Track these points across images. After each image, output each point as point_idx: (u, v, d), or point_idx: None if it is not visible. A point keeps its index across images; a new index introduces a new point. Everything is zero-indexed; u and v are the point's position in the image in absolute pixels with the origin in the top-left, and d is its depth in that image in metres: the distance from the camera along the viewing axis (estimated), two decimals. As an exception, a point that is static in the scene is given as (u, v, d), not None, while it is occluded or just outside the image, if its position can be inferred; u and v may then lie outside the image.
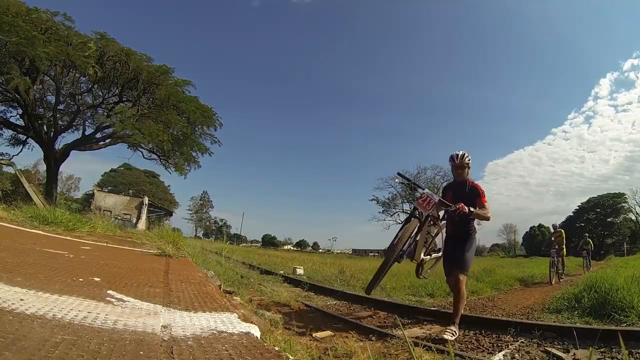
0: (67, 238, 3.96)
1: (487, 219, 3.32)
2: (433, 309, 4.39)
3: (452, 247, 3.53)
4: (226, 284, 3.86)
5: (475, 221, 3.52)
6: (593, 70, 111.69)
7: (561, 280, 8.87)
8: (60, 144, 14.41)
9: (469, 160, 3.60)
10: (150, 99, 14.31)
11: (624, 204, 50.70)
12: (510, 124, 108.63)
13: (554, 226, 10.74)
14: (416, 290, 6.20)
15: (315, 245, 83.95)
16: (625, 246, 38.83)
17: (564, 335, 2.91)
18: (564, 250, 9.68)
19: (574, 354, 2.54)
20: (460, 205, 3.14)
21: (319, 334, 2.83)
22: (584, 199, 56.40)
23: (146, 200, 29.96)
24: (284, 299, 4.32)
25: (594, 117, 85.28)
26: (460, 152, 3.55)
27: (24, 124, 13.95)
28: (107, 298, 1.15)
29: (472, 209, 3.18)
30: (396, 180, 3.57)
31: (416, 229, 3.36)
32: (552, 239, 10.07)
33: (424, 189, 3.43)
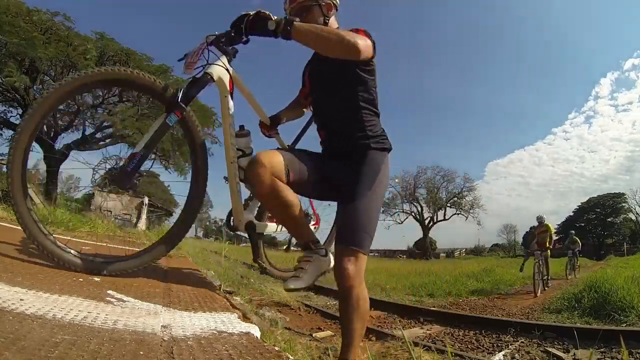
0: (68, 238, 3.96)
1: (351, 45, 1.37)
2: (433, 309, 4.39)
3: (325, 182, 1.59)
4: (226, 284, 3.85)
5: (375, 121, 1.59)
6: (594, 70, 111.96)
7: (547, 288, 7.57)
8: (60, 144, 14.43)
9: None
10: (151, 99, 14.31)
11: (624, 204, 50.73)
12: (510, 124, 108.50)
13: (540, 219, 8.40)
14: (416, 290, 6.20)
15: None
16: (625, 246, 38.85)
17: (564, 335, 2.91)
18: (549, 251, 7.90)
19: (574, 354, 2.54)
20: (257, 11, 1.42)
21: (319, 334, 2.84)
22: (584, 199, 56.50)
23: (146, 200, 29.91)
24: (284, 299, 4.32)
25: (595, 116, 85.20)
26: None
27: (24, 124, 13.95)
28: (107, 298, 1.15)
29: (297, 22, 1.40)
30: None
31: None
32: (535, 235, 8.14)
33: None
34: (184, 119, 1.54)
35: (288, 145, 2.03)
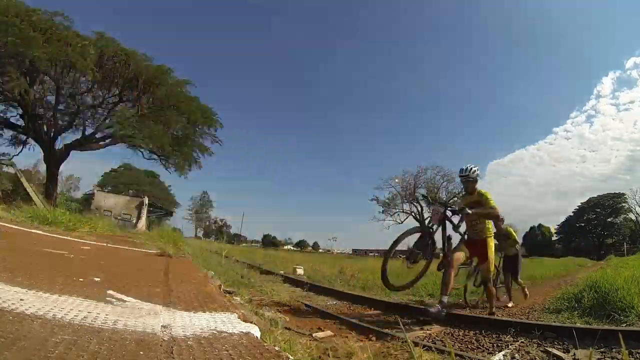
0: (67, 238, 3.96)
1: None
2: (433, 309, 4.39)
3: None
4: (226, 284, 3.86)
5: None
6: (595, 69, 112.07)
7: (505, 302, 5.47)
8: (60, 144, 14.40)
9: None
10: (150, 99, 14.30)
11: (624, 204, 50.78)
12: (511, 123, 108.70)
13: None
14: (416, 290, 6.19)
15: (315, 245, 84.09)
16: (625, 246, 38.88)
17: (564, 335, 2.91)
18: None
19: (574, 354, 2.54)
20: None
21: (319, 334, 2.83)
22: (585, 199, 56.54)
23: (146, 200, 29.90)
24: (284, 299, 4.32)
25: (596, 116, 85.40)
26: None
27: (24, 124, 13.94)
28: (107, 298, 1.15)
29: None
30: None
31: None
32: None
33: None
34: None
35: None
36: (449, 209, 4.09)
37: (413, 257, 4.02)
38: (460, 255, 3.96)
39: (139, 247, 4.86)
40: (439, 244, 4.24)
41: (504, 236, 6.03)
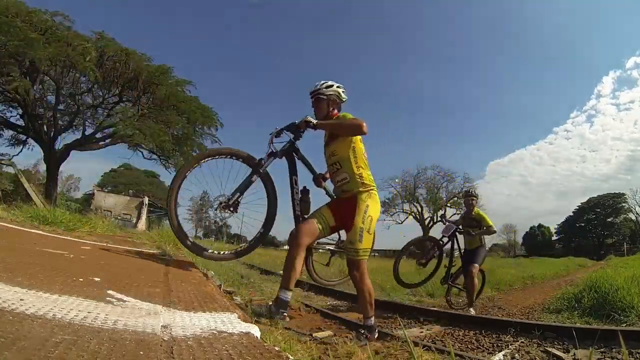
0: (67, 238, 3.96)
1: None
2: (433, 309, 4.39)
3: None
4: (226, 284, 3.86)
5: None
6: (595, 69, 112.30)
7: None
8: (60, 144, 14.41)
9: None
10: (151, 99, 14.29)
11: (624, 204, 50.84)
12: (511, 123, 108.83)
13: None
14: (416, 290, 6.19)
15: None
16: (625, 246, 38.91)
17: (564, 335, 2.91)
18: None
19: (574, 354, 2.54)
20: None
21: (319, 334, 2.83)
22: (585, 199, 56.61)
23: (146, 200, 29.94)
24: (284, 299, 4.32)
25: (596, 115, 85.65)
26: None
27: (24, 124, 13.95)
28: (107, 298, 1.15)
29: None
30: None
31: None
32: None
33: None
34: None
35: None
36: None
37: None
38: (312, 227, 2.52)
39: (139, 247, 4.86)
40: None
41: (471, 219, 4.68)
